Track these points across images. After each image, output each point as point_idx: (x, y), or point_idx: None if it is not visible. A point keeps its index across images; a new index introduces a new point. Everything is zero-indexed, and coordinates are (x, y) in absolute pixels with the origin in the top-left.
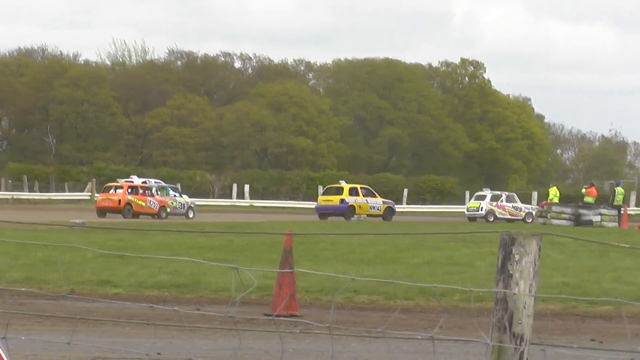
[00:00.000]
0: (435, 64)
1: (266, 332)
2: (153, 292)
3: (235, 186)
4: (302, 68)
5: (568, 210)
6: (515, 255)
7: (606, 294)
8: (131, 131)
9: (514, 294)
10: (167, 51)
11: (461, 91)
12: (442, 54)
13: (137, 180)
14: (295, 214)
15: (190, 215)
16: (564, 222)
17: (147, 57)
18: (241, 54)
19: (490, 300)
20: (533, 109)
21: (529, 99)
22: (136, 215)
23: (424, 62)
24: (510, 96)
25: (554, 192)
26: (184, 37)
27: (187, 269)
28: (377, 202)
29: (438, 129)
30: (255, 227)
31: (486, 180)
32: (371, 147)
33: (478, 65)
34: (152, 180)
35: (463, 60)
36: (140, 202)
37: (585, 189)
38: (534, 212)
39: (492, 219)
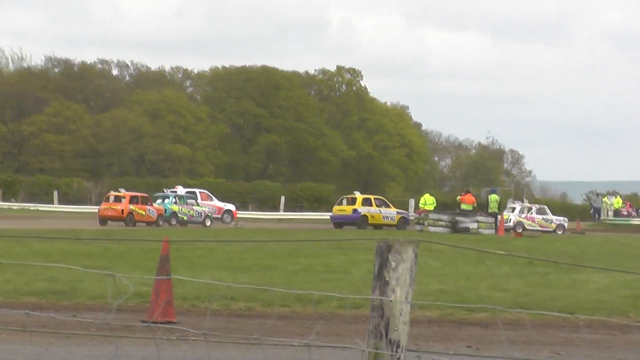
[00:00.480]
0: (312, 71)
1: (143, 339)
2: (30, 299)
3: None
4: (180, 75)
5: (445, 217)
6: (392, 263)
7: (482, 300)
8: (8, 138)
9: (391, 301)
10: (44, 58)
11: (338, 99)
12: (319, 62)
13: (181, 191)
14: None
15: (208, 224)
16: (441, 229)
17: (24, 65)
18: (118, 61)
19: (367, 307)
20: (411, 116)
21: (407, 107)
22: (136, 223)
23: (301, 70)
24: (388, 104)
25: (422, 201)
26: (61, 44)
27: (64, 276)
28: (391, 212)
29: (315, 136)
30: (132, 234)
31: (363, 187)
32: (248, 154)
33: (355, 73)
34: (180, 189)
35: (340, 68)
36: (140, 211)
37: (461, 196)
38: (566, 224)
39: (520, 231)
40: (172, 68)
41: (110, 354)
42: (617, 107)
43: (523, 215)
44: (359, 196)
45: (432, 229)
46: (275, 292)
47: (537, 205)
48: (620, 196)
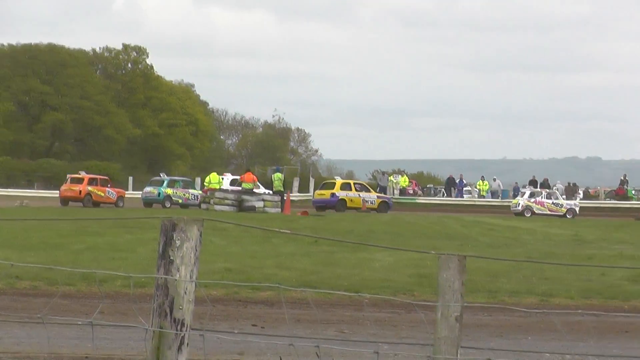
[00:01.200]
0: (98, 49)
1: None
2: None
3: None
4: None
5: (231, 196)
6: (176, 241)
7: (268, 279)
8: None
9: (175, 279)
10: None
11: (124, 77)
12: (105, 40)
13: (228, 178)
14: None
15: (204, 207)
16: (227, 207)
17: None
18: None
19: (153, 286)
20: (198, 95)
21: (193, 85)
22: (96, 204)
23: (88, 48)
24: (174, 82)
25: (207, 180)
26: None
27: None
28: (371, 196)
29: (101, 114)
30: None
31: (149, 166)
32: (34, 132)
33: (141, 51)
34: (228, 176)
35: (125, 46)
36: (99, 193)
37: (241, 176)
38: (577, 208)
39: (529, 215)
40: None
41: None
42: (403, 86)
43: (532, 200)
44: (338, 181)
45: (218, 207)
46: (60, 270)
47: (547, 190)
48: (406, 175)
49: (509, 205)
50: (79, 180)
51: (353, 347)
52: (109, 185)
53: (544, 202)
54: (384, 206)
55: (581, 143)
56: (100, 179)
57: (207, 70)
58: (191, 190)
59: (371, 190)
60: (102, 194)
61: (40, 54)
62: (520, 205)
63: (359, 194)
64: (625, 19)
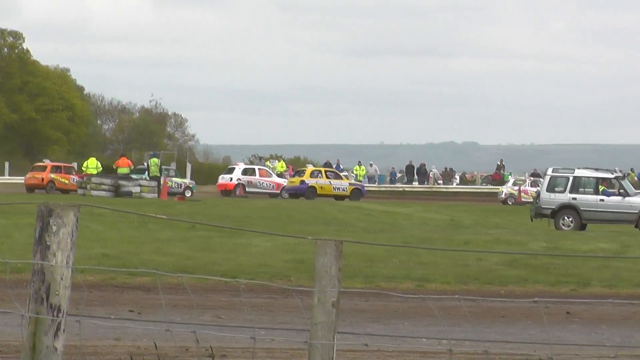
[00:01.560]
0: None
1: None
2: None
3: None
4: None
5: (108, 181)
6: (53, 227)
7: (145, 265)
8: None
9: (52, 265)
10: None
11: (0, 62)
12: None
13: (242, 166)
14: None
15: (188, 195)
16: (104, 193)
17: None
18: None
19: (29, 272)
20: (74, 80)
21: (68, 70)
22: (65, 191)
23: None
24: (50, 67)
25: (85, 165)
26: None
27: None
28: (343, 183)
29: None
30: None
31: (26, 151)
32: None
33: (17, 36)
34: (241, 165)
35: (2, 31)
36: (63, 180)
37: (116, 162)
38: None
39: (512, 203)
40: None
41: None
42: (281, 71)
43: (516, 188)
44: (308, 168)
45: (94, 192)
46: None
47: (531, 178)
48: (283, 160)
49: (385, 191)
50: (43, 168)
51: (230, 332)
52: (74, 173)
53: (527, 190)
54: (357, 193)
55: (458, 128)
56: (64, 166)
57: (83, 54)
58: (175, 179)
59: (343, 177)
60: (67, 182)
61: None
62: (504, 194)
63: (329, 181)
64: (503, 4)
